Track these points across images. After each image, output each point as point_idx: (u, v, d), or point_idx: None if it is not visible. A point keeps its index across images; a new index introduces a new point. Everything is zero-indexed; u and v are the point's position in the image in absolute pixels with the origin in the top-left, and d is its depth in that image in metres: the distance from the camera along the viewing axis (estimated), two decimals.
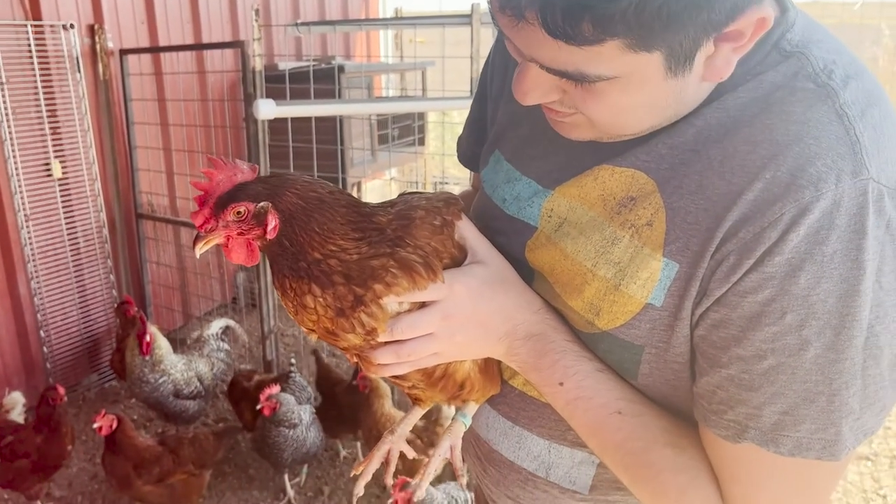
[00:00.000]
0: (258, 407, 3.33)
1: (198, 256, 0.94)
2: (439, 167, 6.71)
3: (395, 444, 1.21)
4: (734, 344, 0.81)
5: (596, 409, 0.94)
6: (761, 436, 0.82)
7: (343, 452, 3.97)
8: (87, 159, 4.32)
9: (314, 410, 3.63)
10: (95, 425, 3.13)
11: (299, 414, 3.43)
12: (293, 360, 3.87)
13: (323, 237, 0.90)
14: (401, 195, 1.05)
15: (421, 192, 1.06)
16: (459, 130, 1.37)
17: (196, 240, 0.92)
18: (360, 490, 1.19)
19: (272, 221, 0.90)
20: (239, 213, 0.90)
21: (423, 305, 0.95)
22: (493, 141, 1.15)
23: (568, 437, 1.03)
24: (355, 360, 1.02)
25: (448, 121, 5.32)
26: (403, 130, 5.74)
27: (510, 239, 1.04)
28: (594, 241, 0.93)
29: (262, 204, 0.90)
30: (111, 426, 3.16)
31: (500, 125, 1.14)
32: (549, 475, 1.07)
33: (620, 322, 0.91)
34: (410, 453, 1.24)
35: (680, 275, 0.85)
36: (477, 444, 1.18)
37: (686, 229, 0.84)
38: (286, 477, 3.64)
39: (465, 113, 1.34)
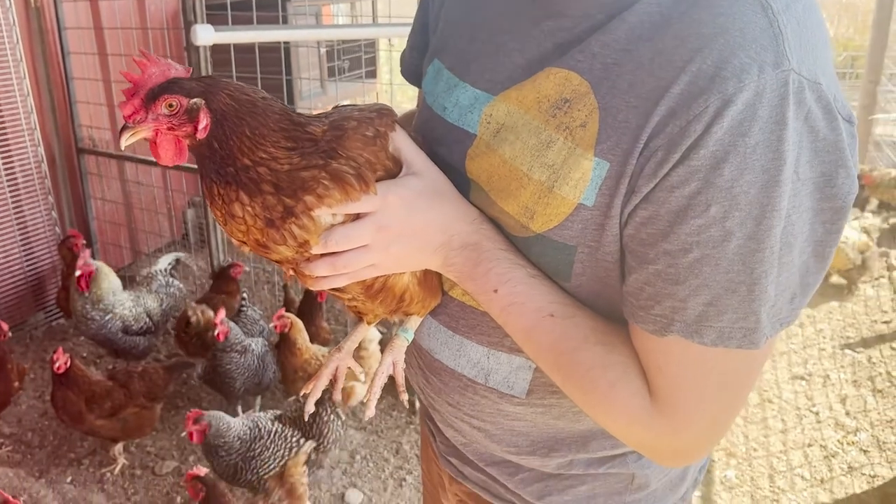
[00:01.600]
0: (215, 333, 3.35)
1: (122, 147, 0.91)
2: (392, 100, 6.62)
3: (343, 361, 1.22)
4: (661, 239, 0.83)
5: (529, 313, 0.96)
6: (686, 328, 0.84)
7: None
8: (22, 91, 4.15)
9: (267, 342, 3.66)
10: (56, 364, 3.11)
11: (247, 341, 3.45)
12: (245, 295, 3.86)
13: (253, 142, 0.89)
14: (335, 107, 1.04)
15: (355, 104, 1.04)
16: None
17: (122, 130, 0.90)
18: (310, 408, 1.20)
19: (203, 120, 0.88)
20: (171, 105, 0.88)
21: (357, 218, 0.94)
22: (434, 51, 1.14)
23: (506, 344, 1.05)
24: (291, 273, 1.02)
25: (398, 51, 5.24)
26: (354, 62, 5.62)
27: (450, 149, 1.04)
28: (530, 145, 0.93)
29: (195, 100, 0.88)
30: (66, 363, 3.15)
31: (442, 34, 1.13)
32: (487, 381, 1.09)
33: (554, 224, 0.92)
34: (357, 369, 1.25)
35: (610, 173, 0.86)
36: (419, 354, 1.20)
37: (617, 128, 0.85)
38: (239, 408, 3.66)
39: None
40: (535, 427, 1.12)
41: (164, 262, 4.24)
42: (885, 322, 4.76)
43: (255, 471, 2.88)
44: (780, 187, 0.77)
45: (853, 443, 3.69)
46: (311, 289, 1.02)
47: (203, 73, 3.66)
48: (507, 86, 0.98)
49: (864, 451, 3.63)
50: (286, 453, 2.94)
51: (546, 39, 0.95)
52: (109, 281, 3.79)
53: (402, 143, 1.00)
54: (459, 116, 1.04)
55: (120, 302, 3.78)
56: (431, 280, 1.08)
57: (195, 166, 4.29)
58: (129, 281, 4.34)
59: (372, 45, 5.72)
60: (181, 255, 4.37)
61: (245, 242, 0.96)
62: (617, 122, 0.85)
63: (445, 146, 1.05)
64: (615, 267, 0.92)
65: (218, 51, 3.90)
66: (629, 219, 0.87)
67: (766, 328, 0.84)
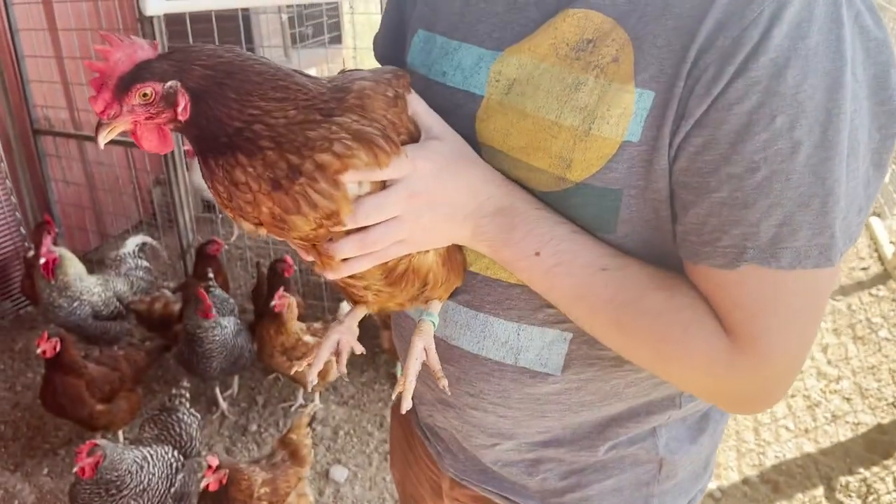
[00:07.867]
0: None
1: (101, 147, 0.83)
2: (358, 66, 6.48)
3: (344, 335, 1.13)
4: (723, 163, 0.78)
5: (578, 270, 0.89)
6: (760, 253, 0.79)
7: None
8: None
9: (239, 321, 3.57)
10: (39, 350, 2.98)
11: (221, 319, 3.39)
12: (211, 274, 3.75)
13: (240, 102, 0.80)
14: (341, 72, 0.97)
15: (361, 69, 0.97)
16: (369, 21, 1.24)
17: (98, 128, 0.81)
18: (314, 378, 1.10)
19: (182, 102, 0.81)
20: (145, 94, 0.80)
21: (383, 186, 0.87)
22: (419, 21, 1.06)
23: (538, 317, 0.99)
24: (311, 258, 0.94)
25: (361, 14, 5.04)
26: (317, 28, 5.46)
27: (455, 114, 0.96)
28: (555, 92, 0.87)
29: (169, 84, 0.80)
30: (55, 348, 3.02)
31: (427, 3, 1.05)
32: (518, 360, 1.02)
33: (595, 168, 0.85)
34: (359, 349, 1.15)
35: (657, 102, 0.81)
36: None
37: (657, 54, 0.80)
38: (217, 389, 3.60)
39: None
40: (568, 410, 1.06)
41: (131, 244, 4.13)
42: (864, 269, 4.77)
43: None
44: (843, 89, 0.74)
45: (836, 391, 3.71)
46: (333, 277, 0.93)
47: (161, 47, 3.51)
48: (518, 41, 0.92)
49: (847, 399, 3.65)
50: (170, 472, 2.72)
51: None
52: (75, 267, 3.67)
53: (418, 106, 0.94)
54: (464, 79, 0.97)
55: (87, 288, 3.67)
56: (455, 259, 1.00)
57: None
58: (97, 265, 4.21)
59: (335, 8, 5.55)
60: (147, 238, 4.25)
61: (260, 222, 0.86)
62: (656, 48, 0.80)
63: (450, 114, 0.97)
64: (665, 206, 0.86)
65: (173, 22, 3.74)
66: (680, 150, 0.81)
67: (839, 243, 0.79)
